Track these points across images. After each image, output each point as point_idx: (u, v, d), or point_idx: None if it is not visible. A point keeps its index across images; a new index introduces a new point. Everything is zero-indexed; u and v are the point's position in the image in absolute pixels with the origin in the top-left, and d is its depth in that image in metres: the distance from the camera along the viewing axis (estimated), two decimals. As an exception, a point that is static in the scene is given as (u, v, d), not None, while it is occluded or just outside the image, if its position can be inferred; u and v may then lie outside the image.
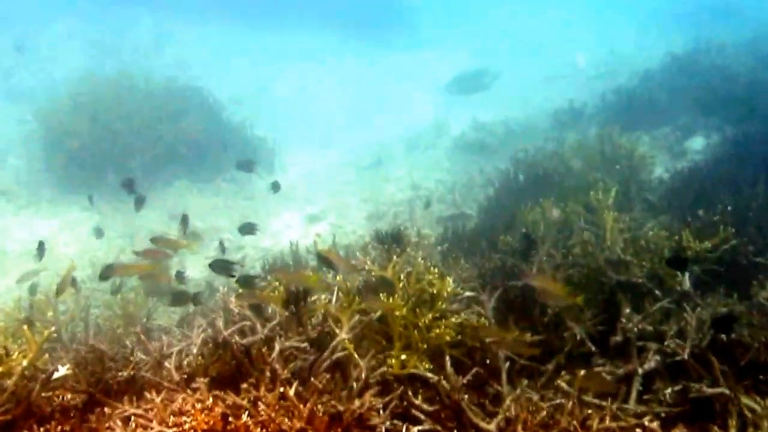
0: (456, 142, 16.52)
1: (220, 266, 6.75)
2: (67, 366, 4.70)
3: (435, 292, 5.52)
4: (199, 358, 4.91)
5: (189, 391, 4.42)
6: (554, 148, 13.05)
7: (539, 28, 28.88)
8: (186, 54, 24.13)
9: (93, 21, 24.86)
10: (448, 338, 5.19)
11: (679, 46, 20.17)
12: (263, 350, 4.76)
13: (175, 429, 3.93)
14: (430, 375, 4.90)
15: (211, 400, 4.12)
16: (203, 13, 27.24)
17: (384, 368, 4.87)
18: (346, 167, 16.37)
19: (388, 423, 4.35)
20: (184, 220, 9.46)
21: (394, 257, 5.88)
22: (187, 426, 3.93)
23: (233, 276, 6.72)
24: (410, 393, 4.73)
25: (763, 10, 26.80)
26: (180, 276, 8.06)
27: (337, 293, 5.50)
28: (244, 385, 4.28)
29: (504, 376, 5.17)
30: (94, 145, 15.20)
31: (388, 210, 12.90)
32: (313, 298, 5.42)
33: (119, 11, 25.71)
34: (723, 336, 5.35)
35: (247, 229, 8.73)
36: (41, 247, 8.87)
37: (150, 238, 7.84)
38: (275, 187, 10.69)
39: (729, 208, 7.77)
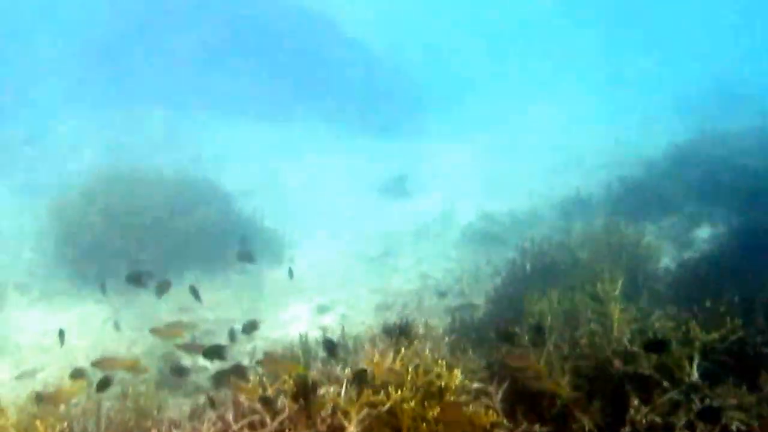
0: (464, 231, 16.70)
1: (213, 352, 6.95)
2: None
3: (443, 384, 5.57)
4: (210, 452, 4.95)
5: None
6: (561, 237, 13.14)
7: (544, 119, 29.53)
8: (198, 147, 24.62)
9: (107, 116, 25.56)
10: (457, 431, 5.22)
11: (685, 135, 20.53)
12: (273, 444, 4.80)
13: None
14: (439, 468, 4.92)
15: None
16: (215, 106, 27.96)
17: (393, 462, 4.89)
18: (355, 257, 16.49)
19: None
20: (194, 291, 9.66)
21: (402, 349, 5.95)
22: None
23: (225, 360, 6.97)
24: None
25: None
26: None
27: (346, 386, 5.56)
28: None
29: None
30: (107, 239, 15.41)
31: (396, 300, 12.97)
32: (322, 391, 5.48)
33: (132, 106, 26.42)
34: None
35: (250, 327, 8.93)
36: (62, 335, 9.09)
37: (149, 329, 8.07)
38: (290, 273, 11.20)
39: (736, 298, 7.83)
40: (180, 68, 28.32)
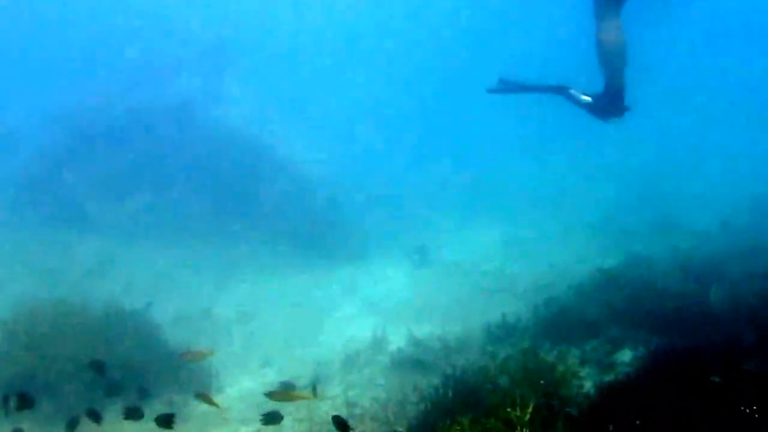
0: (393, 358, 16.69)
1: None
2: None
3: None
4: None
5: None
6: (484, 362, 13.25)
7: (479, 244, 30.07)
8: (131, 275, 24.50)
9: (39, 244, 25.43)
10: None
11: (614, 260, 20.99)
12: None
13: None
14: None
15: None
16: (151, 233, 27.96)
17: None
18: (284, 386, 16.35)
19: None
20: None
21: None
22: None
23: None
24: None
25: (700, 225, 28.27)
26: None
27: None
28: None
29: None
30: (29, 372, 15.10)
31: (321, 429, 12.80)
32: None
33: (64, 234, 26.40)
34: None
35: None
36: None
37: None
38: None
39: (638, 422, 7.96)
40: (114, 194, 28.55)
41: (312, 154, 31.81)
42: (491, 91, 12.28)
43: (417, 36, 60.87)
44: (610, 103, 11.07)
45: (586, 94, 11.37)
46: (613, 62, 10.74)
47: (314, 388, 12.91)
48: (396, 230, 31.44)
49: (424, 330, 18.60)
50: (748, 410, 7.52)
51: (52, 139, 30.38)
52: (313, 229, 28.61)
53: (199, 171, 29.50)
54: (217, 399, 13.46)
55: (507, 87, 12.17)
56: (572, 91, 11.51)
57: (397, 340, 18.08)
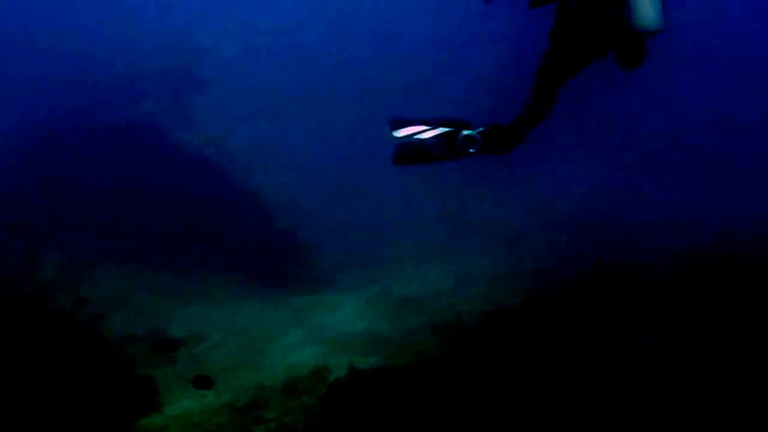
0: (331, 387, 17.03)
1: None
2: None
3: None
4: None
5: None
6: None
7: (433, 279, 30.45)
8: (85, 291, 24.62)
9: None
10: None
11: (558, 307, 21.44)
12: None
13: None
14: None
15: None
16: (110, 249, 28.12)
17: None
18: (222, 409, 16.62)
19: None
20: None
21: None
22: None
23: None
24: None
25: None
26: None
27: None
28: None
29: None
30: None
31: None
32: None
33: (25, 247, 26.56)
34: None
35: None
36: None
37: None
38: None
39: None
40: (78, 210, 28.78)
41: (274, 181, 32.34)
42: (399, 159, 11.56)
43: (382, 79, 61.31)
44: (508, 136, 10.48)
45: (478, 130, 10.92)
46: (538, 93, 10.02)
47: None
48: (351, 261, 31.77)
49: (367, 362, 18.96)
50: None
51: (25, 150, 30.69)
52: (269, 257, 28.99)
53: (163, 192, 29.84)
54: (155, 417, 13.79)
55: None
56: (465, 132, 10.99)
57: (338, 371, 18.41)
